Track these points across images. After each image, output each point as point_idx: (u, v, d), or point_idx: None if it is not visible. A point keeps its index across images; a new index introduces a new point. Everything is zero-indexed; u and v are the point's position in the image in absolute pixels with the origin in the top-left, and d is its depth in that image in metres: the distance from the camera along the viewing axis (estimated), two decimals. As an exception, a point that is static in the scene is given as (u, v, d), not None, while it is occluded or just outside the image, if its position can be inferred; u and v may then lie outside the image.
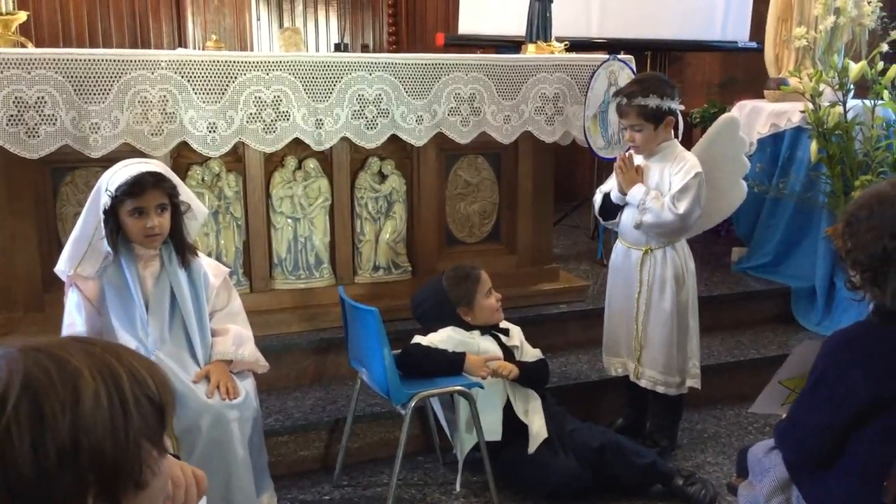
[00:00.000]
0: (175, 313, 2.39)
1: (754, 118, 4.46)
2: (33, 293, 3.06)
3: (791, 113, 4.32)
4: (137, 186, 2.24)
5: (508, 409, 2.84)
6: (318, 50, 6.66)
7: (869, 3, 4.19)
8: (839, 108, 3.96)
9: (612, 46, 4.84)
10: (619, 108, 2.98)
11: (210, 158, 3.17)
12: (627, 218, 3.03)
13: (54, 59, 2.83)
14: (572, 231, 5.38)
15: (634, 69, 3.65)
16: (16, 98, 2.78)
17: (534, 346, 3.05)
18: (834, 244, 4.00)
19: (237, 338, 2.46)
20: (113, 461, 0.84)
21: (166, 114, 2.99)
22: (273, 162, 3.35)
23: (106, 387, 0.85)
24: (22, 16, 3.21)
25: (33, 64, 2.80)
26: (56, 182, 3.08)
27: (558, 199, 4.11)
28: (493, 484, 2.75)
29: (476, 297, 2.91)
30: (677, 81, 3.01)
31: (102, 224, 2.28)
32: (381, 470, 3.03)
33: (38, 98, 2.81)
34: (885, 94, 3.87)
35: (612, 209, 3.10)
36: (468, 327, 2.90)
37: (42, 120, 2.83)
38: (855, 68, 3.93)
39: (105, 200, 2.26)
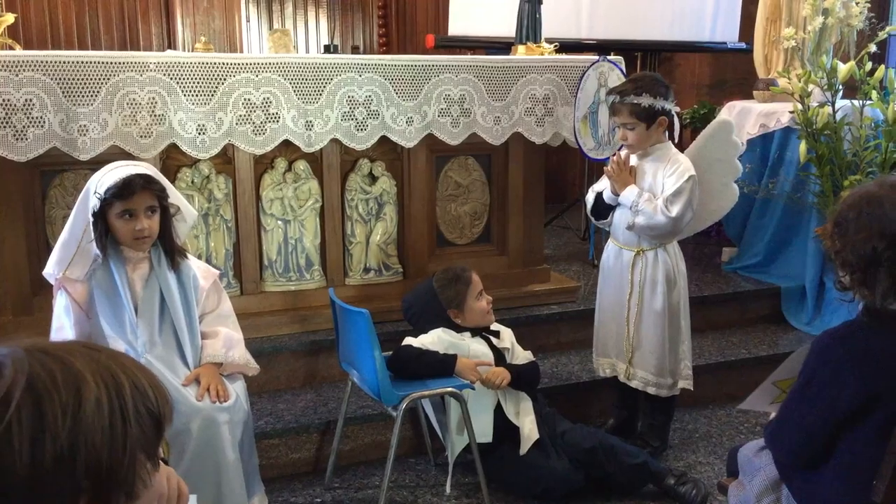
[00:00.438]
0: (164, 316, 2.38)
1: (744, 119, 4.48)
2: (22, 296, 3.05)
3: (780, 113, 4.33)
4: (126, 189, 2.23)
5: (499, 411, 2.84)
6: (307, 51, 6.64)
7: (857, 3, 4.21)
8: (828, 109, 3.98)
9: (602, 48, 4.85)
10: (612, 106, 2.99)
11: (199, 160, 3.16)
12: (620, 218, 3.04)
13: (42, 62, 2.82)
14: (563, 232, 5.39)
15: (624, 70, 3.65)
16: (3, 100, 2.77)
17: (525, 347, 3.05)
18: (823, 244, 4.02)
19: (227, 340, 2.45)
20: (108, 469, 0.84)
21: (155, 116, 2.98)
22: (263, 164, 3.34)
23: (108, 394, 0.85)
24: (10, 18, 3.19)
25: (21, 66, 2.79)
26: (45, 185, 3.06)
27: (549, 200, 4.11)
28: (485, 485, 2.74)
29: (467, 300, 2.91)
30: (667, 82, 3.01)
31: (91, 227, 2.26)
32: (373, 472, 3.02)
33: (26, 100, 2.80)
34: (874, 94, 3.89)
35: (604, 209, 3.10)
36: (459, 329, 2.90)
37: (30, 122, 2.81)
38: (843, 69, 3.95)
39: (94, 203, 2.25)
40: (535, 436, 2.81)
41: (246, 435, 2.42)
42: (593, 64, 3.58)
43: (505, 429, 2.82)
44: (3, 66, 2.76)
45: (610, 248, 3.13)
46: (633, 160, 3.02)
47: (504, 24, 4.44)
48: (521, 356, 3.00)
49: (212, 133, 3.07)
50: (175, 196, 2.41)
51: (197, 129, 3.05)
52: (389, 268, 3.58)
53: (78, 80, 2.86)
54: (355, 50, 6.81)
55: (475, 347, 2.88)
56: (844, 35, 4.27)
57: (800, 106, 4.02)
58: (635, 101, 2.89)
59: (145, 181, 2.26)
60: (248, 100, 3.10)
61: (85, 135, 2.89)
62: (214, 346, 2.42)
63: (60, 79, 2.84)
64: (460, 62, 3.46)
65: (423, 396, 2.71)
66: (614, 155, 3.20)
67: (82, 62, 2.87)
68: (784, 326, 4.16)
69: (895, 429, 1.66)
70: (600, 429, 3.10)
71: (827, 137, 4.00)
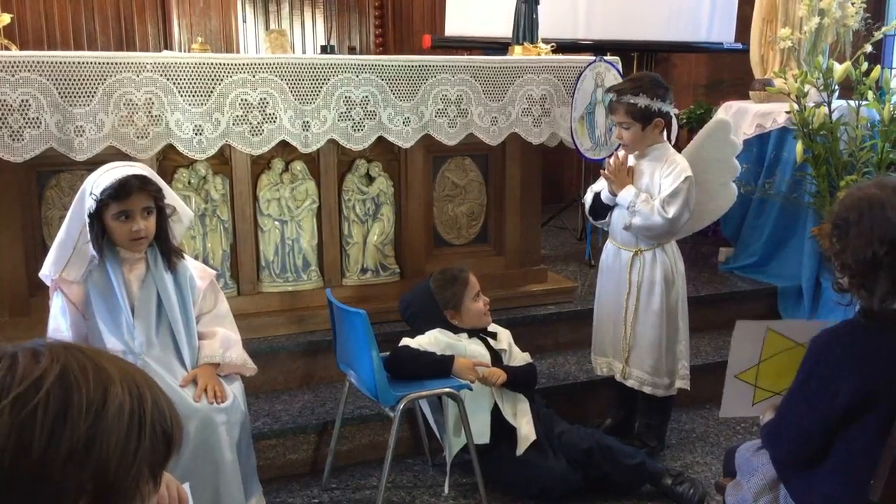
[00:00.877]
0: (161, 317, 2.37)
1: (740, 119, 4.49)
2: (19, 297, 3.04)
3: (776, 114, 4.34)
4: (123, 190, 2.22)
5: (497, 412, 2.84)
6: (304, 52, 6.64)
7: (853, 4, 4.21)
8: (824, 109, 3.98)
9: (599, 48, 4.84)
10: (610, 105, 3.00)
11: (196, 161, 3.16)
12: (617, 219, 3.04)
13: (38, 62, 2.81)
14: (560, 232, 5.40)
15: (621, 70, 3.66)
16: (0, 101, 2.76)
17: (522, 348, 3.05)
18: (820, 244, 4.02)
19: (224, 341, 2.45)
20: (114, 476, 0.85)
21: (152, 116, 2.97)
22: (260, 164, 3.34)
23: (131, 402, 0.88)
24: (6, 18, 3.19)
25: (17, 67, 2.78)
26: (41, 186, 3.05)
27: (546, 200, 4.11)
28: (483, 486, 2.74)
29: (463, 301, 2.91)
30: (667, 83, 3.02)
31: (87, 228, 2.26)
32: (371, 473, 3.02)
33: (23, 101, 2.79)
34: (870, 94, 3.90)
35: (601, 209, 3.11)
36: (456, 330, 2.90)
37: (26, 123, 2.81)
38: (839, 69, 3.96)
39: (90, 204, 2.24)
40: (533, 436, 2.81)
41: (243, 436, 2.41)
42: (590, 64, 3.58)
43: (502, 429, 2.82)
44: (-1, 66, 2.76)
45: (608, 248, 3.14)
46: (631, 160, 3.02)
47: (501, 25, 4.44)
48: (519, 357, 3.00)
49: (209, 133, 3.07)
50: (171, 197, 2.41)
51: (194, 130, 3.04)
52: (386, 268, 3.58)
53: (74, 80, 2.86)
54: (352, 50, 6.80)
55: (472, 348, 2.88)
56: (840, 35, 4.28)
57: (796, 106, 4.02)
58: (632, 101, 2.89)
59: (141, 182, 2.26)
60: (245, 100, 3.10)
61: (81, 135, 2.88)
62: (212, 346, 2.42)
63: (57, 79, 2.83)
64: (457, 62, 3.46)
65: (421, 397, 2.71)
66: (611, 156, 3.21)
67: (79, 63, 2.86)
68: (781, 326, 4.16)
69: (893, 427, 1.66)
70: (598, 429, 3.10)
71: (823, 138, 4.01)
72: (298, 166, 3.37)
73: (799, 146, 4.10)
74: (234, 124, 3.10)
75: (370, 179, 3.51)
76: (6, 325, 3.01)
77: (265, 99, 3.13)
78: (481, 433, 2.78)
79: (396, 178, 3.55)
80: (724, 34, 5.51)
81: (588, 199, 3.18)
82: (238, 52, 6.41)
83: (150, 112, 2.97)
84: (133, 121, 2.95)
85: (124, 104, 2.93)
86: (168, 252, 2.39)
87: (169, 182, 2.98)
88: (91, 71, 2.87)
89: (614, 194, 3.00)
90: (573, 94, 3.56)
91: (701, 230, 3.57)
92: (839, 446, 1.76)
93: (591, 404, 3.40)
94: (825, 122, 3.98)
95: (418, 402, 2.95)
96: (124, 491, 0.86)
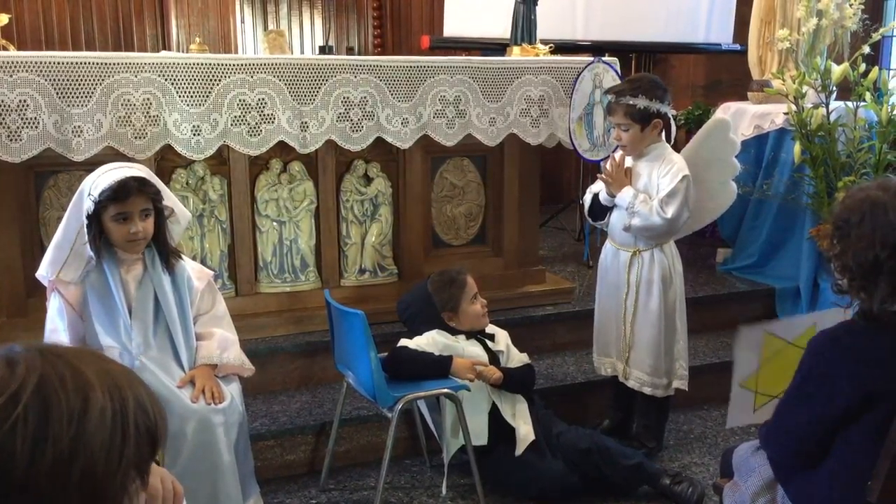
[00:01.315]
0: (159, 317, 2.37)
1: (738, 120, 4.49)
2: (16, 298, 3.03)
3: (774, 115, 4.34)
4: (122, 192, 2.22)
5: (496, 412, 2.84)
6: (302, 52, 6.64)
7: (851, 5, 4.22)
8: (822, 110, 3.99)
9: (597, 49, 4.85)
10: (608, 106, 3.00)
11: (194, 161, 3.16)
12: (616, 219, 3.04)
13: (36, 62, 2.81)
14: (558, 233, 5.39)
15: (619, 71, 3.65)
16: (-3, 101, 2.76)
17: (520, 348, 3.05)
18: (819, 245, 4.02)
19: (222, 342, 2.44)
20: (100, 482, 0.84)
21: (150, 117, 2.97)
22: (258, 165, 3.33)
23: (113, 407, 0.86)
24: (3, 18, 3.19)
25: (15, 67, 2.78)
26: (39, 186, 3.05)
27: (544, 201, 4.11)
28: (481, 487, 2.74)
29: (461, 303, 2.91)
30: (665, 84, 3.02)
31: (85, 229, 2.26)
32: (368, 473, 3.02)
33: (21, 101, 2.79)
34: (868, 95, 3.90)
35: (600, 210, 3.11)
36: (453, 331, 2.90)
37: (24, 123, 2.80)
38: (837, 70, 3.96)
39: (88, 205, 2.24)
40: (531, 437, 2.81)
41: (241, 436, 2.41)
42: (588, 65, 3.58)
43: (501, 430, 2.82)
44: (-4, 66, 2.76)
45: (607, 248, 3.14)
46: (629, 162, 3.02)
47: (499, 26, 4.44)
48: (517, 359, 3.00)
49: (207, 134, 3.07)
50: (169, 198, 2.41)
51: (192, 130, 3.04)
52: (385, 269, 3.58)
53: (72, 80, 2.85)
54: (350, 51, 6.80)
55: (470, 350, 2.88)
56: (838, 36, 4.28)
57: (794, 107, 4.03)
58: (631, 102, 2.89)
59: (140, 184, 2.25)
60: (243, 101, 3.10)
61: (79, 136, 2.88)
62: (209, 347, 2.42)
63: (55, 80, 2.83)
64: (455, 63, 3.47)
65: (419, 397, 2.71)
66: (608, 158, 3.21)
67: (77, 63, 2.86)
68: (779, 327, 4.16)
69: (890, 428, 1.66)
70: (596, 430, 3.10)
71: (821, 139, 4.01)
72: (296, 167, 3.37)
73: (797, 147, 4.10)
74: (232, 125, 3.10)
75: (368, 180, 3.51)
76: (3, 325, 3.01)
77: (263, 99, 3.13)
78: (479, 434, 2.78)
79: (395, 178, 3.55)
80: (723, 35, 5.52)
81: (587, 200, 3.19)
82: (236, 52, 6.41)
83: (148, 112, 2.96)
84: (131, 121, 2.94)
85: (122, 104, 2.92)
86: (166, 253, 2.39)
87: (167, 182, 2.98)
88: (89, 71, 2.87)
89: (613, 195, 3.00)
90: (571, 94, 3.56)
91: (699, 231, 3.57)
92: (837, 447, 1.76)
93: (589, 405, 3.40)
94: (823, 123, 3.98)
95: (416, 403, 2.95)
96: (111, 496, 0.85)
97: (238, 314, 2.88)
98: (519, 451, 2.80)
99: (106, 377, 0.88)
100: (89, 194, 2.23)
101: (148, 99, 2.96)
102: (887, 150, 3.86)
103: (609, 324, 3.14)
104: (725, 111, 4.58)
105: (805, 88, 4.00)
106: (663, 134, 3.00)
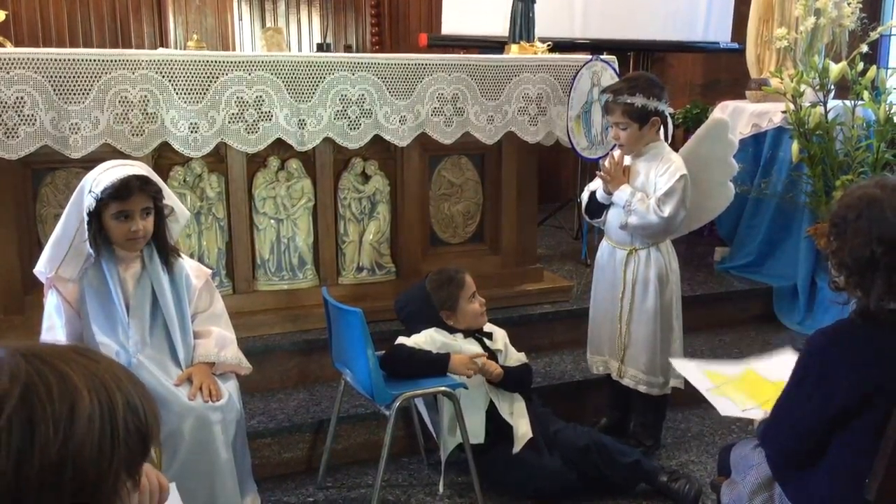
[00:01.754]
0: (157, 316, 2.37)
1: (736, 118, 4.49)
2: (13, 295, 3.03)
3: (773, 113, 4.35)
4: (124, 190, 2.21)
5: (493, 411, 2.84)
6: (300, 50, 6.63)
7: (849, 4, 4.22)
8: (820, 109, 3.99)
9: (595, 47, 4.85)
10: (606, 105, 2.99)
11: (192, 159, 3.15)
12: (613, 218, 3.04)
13: (33, 59, 2.80)
14: (556, 231, 5.39)
15: (617, 70, 3.65)
16: (-6, 98, 2.76)
17: (518, 347, 3.05)
18: (816, 243, 4.03)
19: (219, 340, 2.44)
20: (92, 488, 0.83)
21: (147, 114, 2.96)
22: (256, 162, 3.33)
23: (101, 411, 0.84)
24: (1, 15, 3.18)
25: (12, 63, 2.77)
26: (36, 183, 3.04)
27: (542, 199, 4.11)
28: (478, 485, 2.74)
29: (459, 301, 2.91)
30: (662, 83, 3.02)
31: (85, 226, 2.25)
32: (366, 471, 3.02)
33: (17, 98, 2.78)
34: (866, 94, 3.91)
35: (598, 207, 3.11)
36: (451, 330, 2.90)
37: (21, 120, 2.80)
38: (835, 69, 3.97)
39: (89, 202, 2.22)
40: (529, 435, 2.81)
41: (239, 434, 2.41)
42: (587, 63, 3.58)
43: (499, 428, 2.82)
44: (-7, 63, 2.75)
45: (604, 246, 3.14)
46: (627, 160, 3.02)
47: (497, 24, 4.44)
48: (514, 358, 3.00)
49: (204, 131, 3.06)
50: (170, 197, 2.40)
51: (189, 128, 3.03)
52: (382, 267, 3.58)
53: (69, 77, 2.85)
54: (348, 49, 6.79)
55: (468, 348, 2.87)
56: (836, 35, 4.28)
57: (792, 106, 4.03)
58: (628, 101, 2.89)
59: (142, 182, 2.24)
60: (241, 98, 3.09)
61: (76, 133, 2.87)
62: (207, 345, 2.41)
63: (52, 76, 2.82)
64: (453, 61, 3.46)
65: (416, 395, 2.71)
66: (606, 156, 3.20)
67: (74, 60, 2.85)
68: (776, 326, 4.17)
69: (888, 427, 1.66)
70: (593, 428, 3.10)
71: (819, 137, 4.02)
72: (294, 164, 3.36)
73: (795, 146, 4.11)
74: (229, 122, 3.09)
75: (366, 178, 3.51)
76: (1, 322, 3.00)
77: (261, 97, 3.12)
78: (476, 432, 2.78)
79: (392, 176, 3.55)
80: (721, 34, 5.52)
81: (584, 198, 3.18)
82: (234, 49, 6.40)
83: (145, 110, 2.96)
84: (128, 118, 2.94)
85: (119, 102, 2.92)
86: (165, 251, 2.38)
87: (164, 180, 2.97)
88: (86, 68, 2.86)
89: (610, 193, 3.00)
90: (570, 93, 3.56)
91: (696, 230, 3.57)
92: (835, 446, 1.76)
93: (586, 403, 3.40)
94: (821, 121, 3.99)
95: (414, 401, 2.95)
96: (103, 498, 0.84)
97: (236, 312, 2.88)
98: (517, 449, 2.80)
99: (93, 379, 0.85)
100: (90, 191, 2.22)
101: (145, 96, 2.95)
102: (885, 149, 3.86)
103: (603, 322, 3.14)
104: (723, 110, 4.58)
105: (803, 87, 4.00)
106: (661, 132, 3.00)
